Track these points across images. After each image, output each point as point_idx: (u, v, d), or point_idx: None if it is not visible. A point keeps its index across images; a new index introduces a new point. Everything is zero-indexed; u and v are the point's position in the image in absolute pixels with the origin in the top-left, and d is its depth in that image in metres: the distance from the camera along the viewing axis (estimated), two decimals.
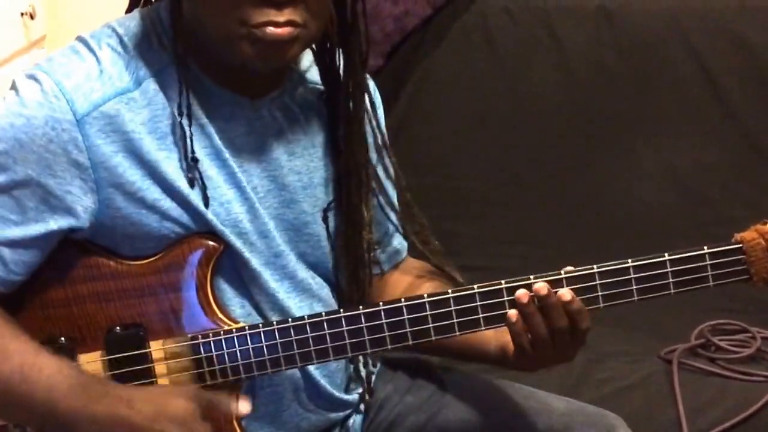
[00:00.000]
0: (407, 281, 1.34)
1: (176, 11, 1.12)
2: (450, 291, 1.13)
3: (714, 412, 1.69)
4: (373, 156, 1.25)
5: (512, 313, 1.11)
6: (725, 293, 1.94)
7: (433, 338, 1.14)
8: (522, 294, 1.11)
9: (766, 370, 1.79)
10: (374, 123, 1.25)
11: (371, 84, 1.29)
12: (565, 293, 1.11)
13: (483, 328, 1.13)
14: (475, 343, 1.23)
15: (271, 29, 1.06)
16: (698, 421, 1.67)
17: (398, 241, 1.36)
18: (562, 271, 1.12)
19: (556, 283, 1.12)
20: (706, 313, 1.92)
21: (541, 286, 1.11)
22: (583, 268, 1.13)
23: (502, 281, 1.13)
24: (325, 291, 1.26)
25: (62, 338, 1.14)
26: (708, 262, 1.12)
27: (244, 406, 1.14)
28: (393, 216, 1.29)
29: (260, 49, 1.08)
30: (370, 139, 1.25)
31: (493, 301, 1.13)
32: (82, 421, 1.07)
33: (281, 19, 1.06)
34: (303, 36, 1.09)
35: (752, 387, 1.74)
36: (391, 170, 1.27)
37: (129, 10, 1.20)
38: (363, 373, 1.31)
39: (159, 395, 1.10)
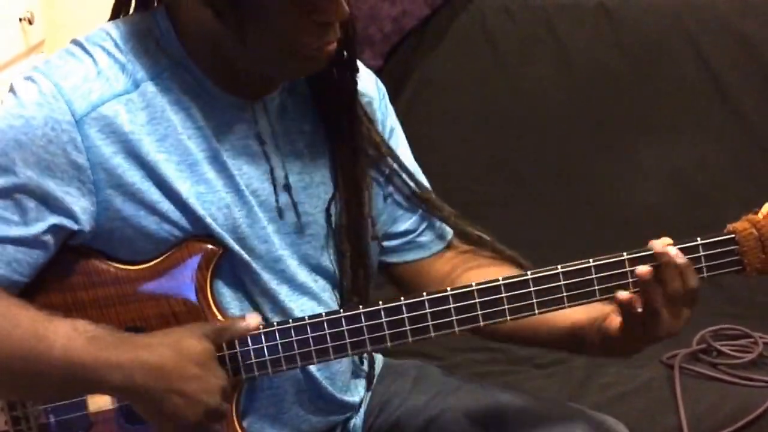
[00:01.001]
0: (456, 262, 1.34)
1: (175, 18, 1.13)
2: (449, 289, 1.14)
3: (715, 417, 1.69)
4: (372, 150, 1.26)
5: (625, 295, 1.11)
6: (726, 297, 1.96)
7: (432, 336, 1.14)
8: (644, 271, 1.10)
9: (767, 376, 1.78)
10: (365, 118, 1.25)
11: (375, 80, 1.30)
12: (678, 254, 1.10)
13: (481, 323, 1.14)
14: (564, 324, 1.21)
15: (326, 48, 1.11)
16: (700, 427, 1.67)
17: (438, 225, 1.35)
18: (559, 266, 1.13)
19: (551, 278, 1.13)
20: (707, 317, 1.90)
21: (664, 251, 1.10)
22: (578, 262, 1.13)
23: (500, 278, 1.14)
24: (327, 293, 1.25)
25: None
26: (702, 253, 1.13)
27: (253, 319, 1.13)
28: (422, 204, 1.32)
29: (308, 65, 1.13)
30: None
31: (491, 298, 1.13)
32: (106, 368, 1.06)
33: (334, 38, 1.11)
34: None
35: (754, 392, 1.74)
36: (400, 162, 1.29)
37: (113, 18, 1.20)
38: (365, 366, 1.32)
39: (177, 340, 1.09)
